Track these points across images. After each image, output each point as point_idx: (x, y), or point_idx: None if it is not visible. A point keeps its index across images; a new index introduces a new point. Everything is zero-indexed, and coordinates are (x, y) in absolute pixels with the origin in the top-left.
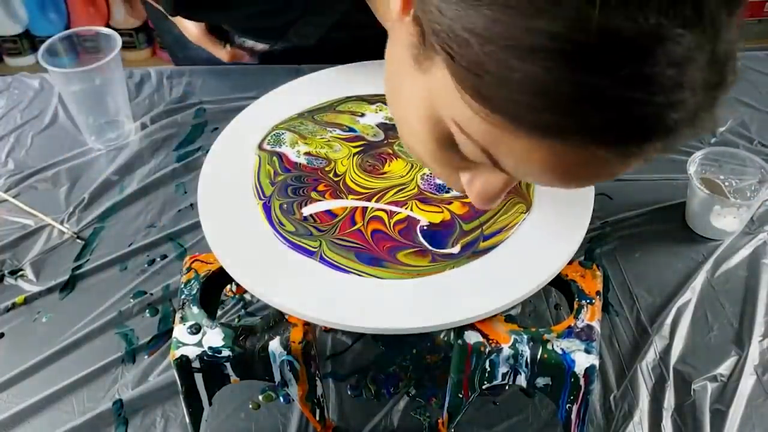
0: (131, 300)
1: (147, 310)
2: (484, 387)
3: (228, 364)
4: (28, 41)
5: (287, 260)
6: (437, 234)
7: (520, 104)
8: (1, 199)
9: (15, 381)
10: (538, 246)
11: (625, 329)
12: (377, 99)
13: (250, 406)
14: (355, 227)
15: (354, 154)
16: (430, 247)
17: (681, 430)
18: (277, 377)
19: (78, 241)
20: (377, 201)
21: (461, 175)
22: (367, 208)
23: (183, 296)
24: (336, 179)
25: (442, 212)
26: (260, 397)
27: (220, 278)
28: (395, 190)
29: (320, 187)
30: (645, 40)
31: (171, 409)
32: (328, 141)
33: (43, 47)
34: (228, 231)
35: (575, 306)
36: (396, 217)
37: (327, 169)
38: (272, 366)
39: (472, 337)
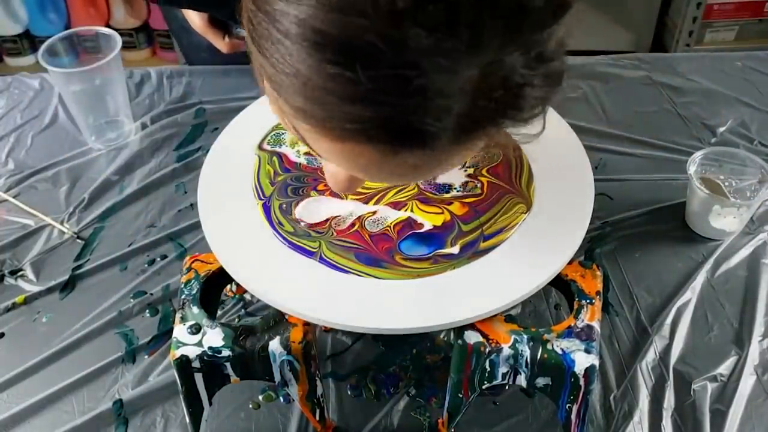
0: (131, 300)
1: (147, 310)
2: (484, 387)
3: (228, 364)
4: (28, 41)
5: (287, 260)
6: (436, 235)
7: (286, 86)
8: (1, 199)
9: (15, 381)
10: (538, 246)
11: (625, 329)
12: None
13: (250, 406)
14: (354, 229)
15: None
16: (429, 253)
17: (681, 430)
18: (277, 377)
19: (78, 241)
20: (378, 201)
21: None
22: (362, 212)
23: (183, 296)
24: None
25: (443, 213)
26: (260, 397)
27: (220, 278)
28: (396, 190)
29: (320, 187)
30: (371, 36)
31: (171, 409)
32: None
33: (43, 47)
34: (228, 231)
35: (575, 306)
36: (396, 219)
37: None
38: (272, 366)
39: (472, 337)
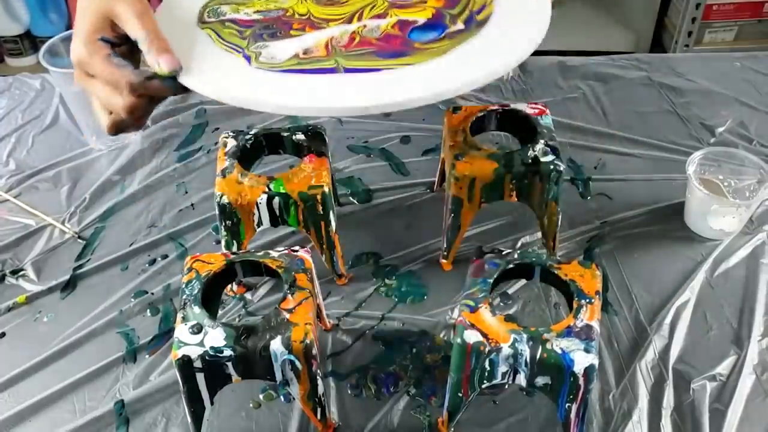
0: (132, 299)
1: (148, 310)
2: (483, 386)
3: (230, 364)
4: (29, 41)
5: (312, 81)
6: (435, 23)
7: None
8: (2, 199)
9: (16, 380)
10: (525, 12)
11: (624, 329)
12: None
13: (251, 405)
14: (357, 40)
15: None
16: (441, 35)
17: (680, 430)
18: (279, 376)
19: (79, 240)
20: (360, 19)
21: None
22: (348, 29)
23: (184, 296)
24: (303, 17)
25: (424, 10)
26: (261, 396)
27: (221, 278)
28: (368, 8)
29: (295, 26)
30: None
31: (172, 408)
32: None
33: (44, 47)
34: (234, 86)
35: (574, 305)
36: (389, 23)
37: (288, 14)
38: (274, 365)
39: (471, 337)
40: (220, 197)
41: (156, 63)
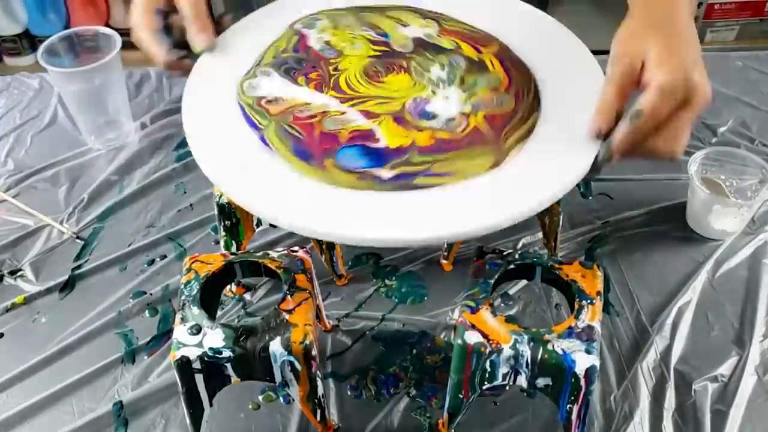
0: (131, 300)
1: (146, 311)
2: (484, 387)
3: (229, 365)
4: (28, 41)
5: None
6: (384, 155)
7: None
8: (0, 199)
9: (15, 381)
10: (462, 202)
11: (625, 329)
12: (434, 16)
13: (250, 406)
14: (312, 120)
15: (368, 56)
16: (362, 168)
17: (682, 431)
18: (278, 378)
19: (77, 241)
20: (354, 105)
21: None
22: (330, 108)
23: (183, 297)
24: (333, 72)
25: (406, 137)
26: (260, 398)
27: (220, 279)
28: (376, 102)
29: (312, 75)
30: None
31: (171, 409)
32: (355, 38)
33: (42, 47)
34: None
35: (576, 306)
36: (358, 126)
37: (332, 61)
38: (273, 366)
39: (472, 338)
40: (219, 197)
41: (192, 39)
